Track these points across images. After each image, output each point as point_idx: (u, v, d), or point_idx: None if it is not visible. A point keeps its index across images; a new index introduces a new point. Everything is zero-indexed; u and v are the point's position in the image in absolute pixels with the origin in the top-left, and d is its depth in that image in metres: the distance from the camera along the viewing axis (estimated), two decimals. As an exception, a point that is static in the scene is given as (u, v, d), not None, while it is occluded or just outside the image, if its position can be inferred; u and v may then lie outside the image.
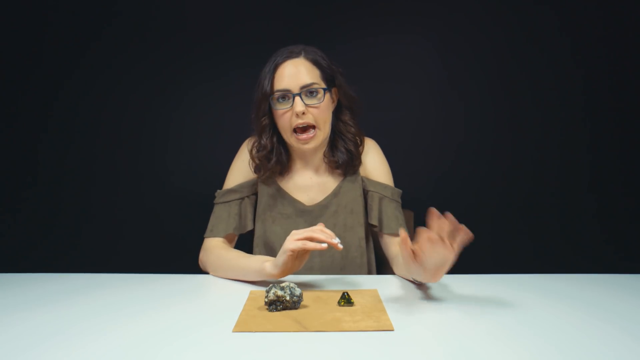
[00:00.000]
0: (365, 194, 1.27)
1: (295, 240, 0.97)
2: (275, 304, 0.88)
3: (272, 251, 1.23)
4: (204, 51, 1.86)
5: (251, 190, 1.27)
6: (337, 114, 1.25)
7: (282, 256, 0.99)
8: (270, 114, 1.19)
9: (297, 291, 0.89)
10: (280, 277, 1.02)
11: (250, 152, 1.24)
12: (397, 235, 1.21)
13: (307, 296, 0.96)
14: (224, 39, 1.85)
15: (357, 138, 1.25)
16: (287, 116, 1.15)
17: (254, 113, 1.21)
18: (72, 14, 1.84)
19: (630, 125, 1.88)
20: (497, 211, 1.91)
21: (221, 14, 1.86)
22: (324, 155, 1.25)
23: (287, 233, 1.01)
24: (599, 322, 0.84)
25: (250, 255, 1.13)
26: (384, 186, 1.25)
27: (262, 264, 1.04)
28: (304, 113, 1.13)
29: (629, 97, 1.87)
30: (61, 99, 1.86)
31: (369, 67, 1.82)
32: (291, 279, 1.13)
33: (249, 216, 1.26)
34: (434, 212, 0.85)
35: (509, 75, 1.88)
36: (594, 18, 1.85)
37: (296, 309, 0.89)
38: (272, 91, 1.15)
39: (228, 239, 1.24)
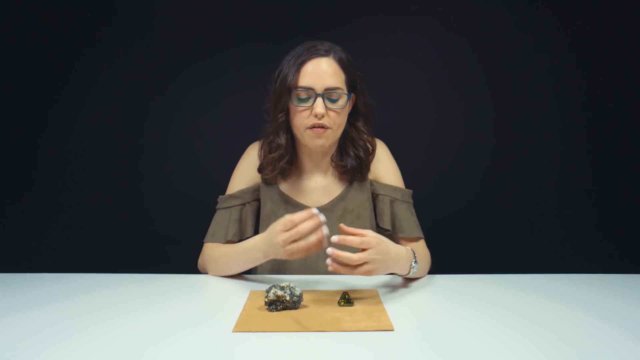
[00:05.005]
0: (375, 197, 1.25)
1: (292, 253, 0.96)
2: (275, 304, 0.88)
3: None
4: (205, 51, 1.86)
5: (253, 197, 1.25)
6: (350, 120, 1.22)
7: (275, 254, 1.00)
8: (287, 110, 1.16)
9: (297, 291, 0.89)
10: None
11: (260, 149, 1.22)
12: (411, 238, 1.21)
13: (307, 296, 0.96)
14: (225, 39, 1.85)
15: (368, 145, 1.23)
16: (304, 114, 1.13)
17: (272, 105, 1.18)
18: (71, 14, 1.84)
19: (630, 125, 1.88)
20: (497, 211, 1.91)
21: (222, 14, 1.86)
22: (332, 160, 1.23)
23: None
24: (599, 322, 0.84)
25: (239, 246, 1.12)
26: (393, 188, 1.24)
27: (254, 255, 1.05)
28: (323, 116, 1.11)
29: (629, 97, 1.87)
30: (60, 100, 1.86)
31: (368, 67, 1.81)
32: (291, 279, 1.13)
33: (249, 223, 1.24)
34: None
35: (509, 75, 1.88)
36: (594, 17, 1.85)
37: (296, 309, 0.89)
38: (295, 86, 1.12)
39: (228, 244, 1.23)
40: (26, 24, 1.83)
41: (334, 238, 0.91)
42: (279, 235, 0.96)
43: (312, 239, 0.94)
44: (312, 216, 0.95)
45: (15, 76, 1.85)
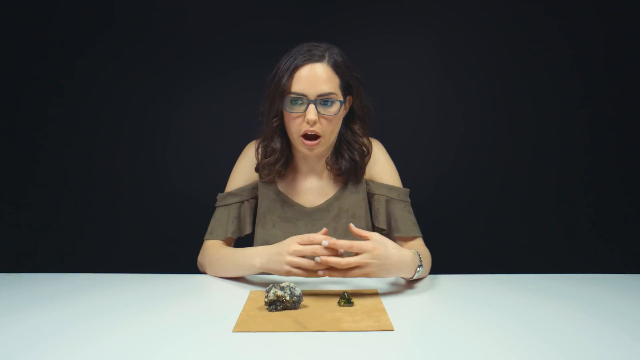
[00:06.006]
0: (370, 197, 1.25)
1: (290, 267, 0.98)
2: (275, 304, 0.88)
3: None
4: (205, 51, 1.86)
5: (251, 194, 1.26)
6: (347, 122, 1.22)
7: (273, 271, 1.01)
8: (281, 115, 1.17)
9: (297, 291, 0.89)
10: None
11: (257, 151, 1.23)
12: (408, 238, 1.21)
13: (307, 296, 0.96)
14: (225, 39, 1.85)
15: (364, 148, 1.22)
16: (298, 120, 1.13)
17: (266, 109, 1.18)
18: (72, 14, 1.84)
19: (629, 125, 1.88)
20: (497, 211, 1.91)
21: (222, 14, 1.86)
22: (327, 162, 1.23)
23: (287, 236, 1.01)
24: (598, 322, 0.84)
25: (240, 250, 1.12)
26: (389, 187, 1.24)
27: (252, 260, 1.05)
28: (315, 122, 1.11)
29: (628, 97, 1.87)
30: (61, 99, 1.86)
31: (368, 67, 1.81)
32: (291, 279, 1.13)
33: (248, 220, 1.25)
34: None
35: (509, 76, 1.88)
36: (594, 18, 1.85)
37: (296, 309, 0.89)
38: (288, 92, 1.12)
39: (227, 242, 1.23)
40: (27, 24, 1.83)
41: (324, 242, 0.94)
42: (292, 244, 0.98)
43: (318, 270, 0.96)
44: (325, 240, 0.96)
45: (16, 77, 1.85)
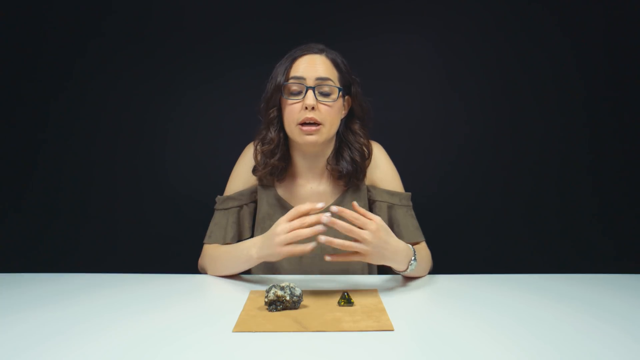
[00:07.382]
0: (372, 204, 1.24)
1: (282, 245, 0.95)
2: (275, 304, 0.88)
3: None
4: (204, 51, 1.86)
5: (250, 198, 1.25)
6: (347, 123, 1.22)
7: (268, 256, 1.00)
8: (280, 106, 1.17)
9: (297, 291, 0.89)
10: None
11: (255, 149, 1.22)
12: (412, 243, 1.20)
13: (307, 296, 0.96)
14: (224, 39, 1.85)
15: (364, 149, 1.21)
16: (296, 107, 1.12)
17: (265, 103, 1.18)
18: (71, 14, 1.84)
19: (630, 125, 1.88)
20: (498, 211, 1.91)
21: (221, 14, 1.86)
22: (327, 163, 1.21)
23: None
24: (598, 322, 0.84)
25: (237, 244, 1.12)
26: (391, 193, 1.23)
27: (248, 251, 1.04)
28: (313, 108, 1.10)
29: (630, 97, 1.87)
30: (60, 99, 1.86)
31: (368, 67, 1.81)
32: (291, 279, 1.13)
33: (247, 224, 1.24)
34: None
35: (510, 75, 1.88)
36: (594, 17, 1.85)
37: (296, 309, 0.89)
38: (286, 79, 1.12)
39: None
40: (26, 24, 1.83)
41: (333, 208, 0.93)
42: (279, 225, 0.96)
43: (307, 234, 0.94)
44: (315, 209, 0.95)
45: (15, 76, 1.85)
